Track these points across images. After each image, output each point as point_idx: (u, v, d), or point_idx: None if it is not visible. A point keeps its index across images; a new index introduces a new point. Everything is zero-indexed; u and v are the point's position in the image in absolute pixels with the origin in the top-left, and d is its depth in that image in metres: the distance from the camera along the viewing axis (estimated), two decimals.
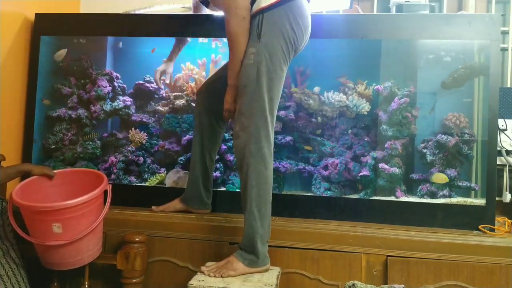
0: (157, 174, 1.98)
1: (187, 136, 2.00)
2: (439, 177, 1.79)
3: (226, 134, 1.93)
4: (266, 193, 1.42)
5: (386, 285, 1.42)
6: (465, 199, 1.78)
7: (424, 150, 1.87)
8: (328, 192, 1.86)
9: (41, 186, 1.51)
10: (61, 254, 1.39)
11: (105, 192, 1.49)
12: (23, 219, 1.40)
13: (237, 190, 1.84)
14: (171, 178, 1.95)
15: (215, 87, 1.68)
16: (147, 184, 1.97)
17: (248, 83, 1.39)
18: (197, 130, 1.73)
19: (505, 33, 2.20)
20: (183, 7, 2.16)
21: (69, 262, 1.42)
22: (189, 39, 1.95)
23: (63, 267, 1.44)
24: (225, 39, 1.99)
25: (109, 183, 1.50)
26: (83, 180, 1.55)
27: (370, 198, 1.83)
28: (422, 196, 1.82)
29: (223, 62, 1.95)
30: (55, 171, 1.55)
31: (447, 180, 1.79)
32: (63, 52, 2.07)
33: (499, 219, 1.76)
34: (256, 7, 1.42)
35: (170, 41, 1.95)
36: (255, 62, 1.38)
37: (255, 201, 1.39)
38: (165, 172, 1.99)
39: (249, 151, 1.38)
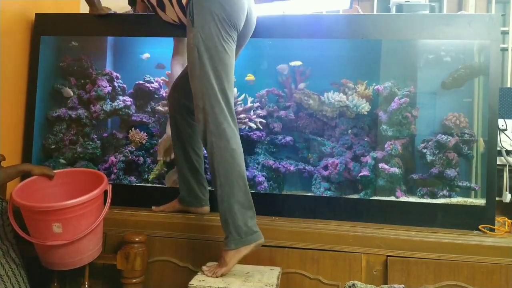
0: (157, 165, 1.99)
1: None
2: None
3: None
4: (235, 167, 1.39)
5: (386, 285, 1.42)
6: (465, 199, 1.78)
7: (424, 150, 1.87)
8: (328, 192, 1.87)
9: (41, 186, 1.51)
10: (61, 254, 1.39)
11: (105, 192, 1.49)
12: (23, 219, 1.40)
13: None
14: (171, 178, 1.95)
15: (180, 84, 1.73)
16: (150, 177, 1.97)
17: (192, 67, 1.44)
18: (174, 131, 1.74)
19: (505, 33, 2.20)
20: None
21: (69, 262, 1.42)
22: None
23: (63, 267, 1.44)
24: None
25: (109, 183, 1.50)
26: (83, 180, 1.55)
27: (370, 198, 1.83)
28: (422, 196, 1.82)
29: None
30: (55, 171, 1.55)
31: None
32: (70, 92, 2.09)
33: (499, 219, 1.76)
34: None
35: (170, 41, 1.94)
36: (194, 45, 1.42)
37: (224, 176, 1.38)
38: (166, 172, 1.99)
39: (209, 130, 1.40)
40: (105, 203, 1.49)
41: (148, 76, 2.13)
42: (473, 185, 1.81)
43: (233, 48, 1.48)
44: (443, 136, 1.84)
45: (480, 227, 1.66)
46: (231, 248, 1.38)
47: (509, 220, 1.74)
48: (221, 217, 1.41)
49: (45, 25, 1.99)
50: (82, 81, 2.11)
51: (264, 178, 1.91)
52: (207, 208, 1.76)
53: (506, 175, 2.00)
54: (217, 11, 1.43)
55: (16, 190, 1.40)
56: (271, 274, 1.43)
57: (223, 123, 1.40)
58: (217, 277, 1.36)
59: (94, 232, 1.44)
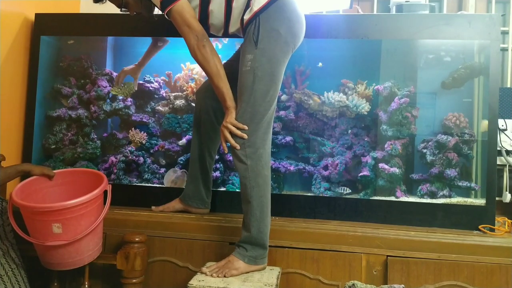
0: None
1: (187, 136, 2.01)
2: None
3: None
4: (266, 193, 1.43)
5: (386, 285, 1.42)
6: (465, 199, 1.78)
7: (424, 150, 1.87)
8: (328, 192, 1.86)
9: (41, 186, 1.51)
10: (61, 254, 1.39)
11: (106, 192, 1.49)
12: (23, 219, 1.40)
13: (237, 190, 1.84)
14: (169, 177, 1.95)
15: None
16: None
17: (244, 91, 1.41)
18: (196, 129, 1.73)
19: (505, 33, 2.20)
20: None
21: (69, 262, 1.42)
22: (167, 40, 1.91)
23: (62, 267, 1.43)
24: (225, 40, 2.00)
25: (109, 183, 1.49)
26: (83, 180, 1.55)
27: (370, 198, 1.83)
28: (422, 196, 1.82)
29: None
30: (55, 171, 1.55)
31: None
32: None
33: (499, 219, 1.76)
34: (250, 12, 1.43)
35: (171, 41, 1.94)
36: (252, 68, 1.39)
37: (256, 201, 1.41)
38: (165, 171, 1.99)
39: (246, 153, 1.40)
40: (105, 203, 1.49)
41: (148, 76, 2.13)
42: (473, 185, 1.81)
43: None
44: (443, 136, 1.84)
45: (480, 227, 1.66)
46: (245, 262, 1.41)
47: (509, 220, 1.74)
48: (246, 235, 1.43)
49: (45, 25, 1.99)
50: (82, 81, 2.11)
51: None
52: (208, 210, 1.77)
53: (506, 175, 2.00)
54: (285, 33, 1.40)
55: (15, 190, 1.40)
56: (270, 274, 1.43)
57: (260, 148, 1.41)
58: (225, 276, 1.37)
59: (94, 232, 1.43)
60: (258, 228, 1.41)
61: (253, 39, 1.40)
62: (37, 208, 1.34)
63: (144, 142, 2.04)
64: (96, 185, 1.44)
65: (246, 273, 1.41)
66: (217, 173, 1.92)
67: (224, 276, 1.37)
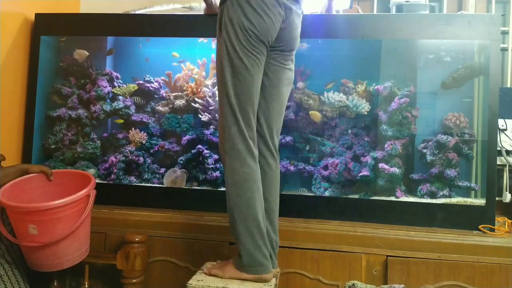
0: None
1: (187, 136, 2.00)
2: (315, 115, 1.84)
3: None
4: (247, 193, 1.31)
5: (386, 285, 1.42)
6: (465, 199, 1.78)
7: (424, 150, 1.86)
8: (328, 192, 1.86)
9: (37, 185, 1.48)
10: (39, 255, 1.36)
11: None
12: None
13: None
14: (169, 177, 1.95)
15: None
16: None
17: (218, 80, 1.37)
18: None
19: (505, 33, 2.20)
20: (183, 7, 2.16)
21: (47, 264, 1.38)
22: None
23: (41, 269, 1.40)
24: None
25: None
26: (78, 183, 1.50)
27: (370, 198, 1.83)
28: (422, 196, 1.82)
29: None
30: (54, 170, 1.54)
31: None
32: (84, 53, 2.06)
33: (499, 219, 1.76)
34: None
35: (170, 41, 1.94)
36: (219, 57, 1.35)
37: (234, 201, 1.31)
38: (165, 171, 1.99)
39: (224, 148, 1.34)
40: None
41: (148, 76, 2.13)
42: (473, 185, 1.81)
43: (260, 64, 1.35)
44: (443, 136, 1.84)
45: (480, 227, 1.66)
46: (235, 267, 1.34)
47: (509, 220, 1.75)
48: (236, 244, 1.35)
49: (45, 25, 1.99)
50: (82, 81, 2.11)
51: None
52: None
53: (506, 175, 2.00)
54: (243, 24, 1.31)
55: (4, 187, 1.38)
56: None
57: (238, 143, 1.31)
58: (210, 273, 1.35)
59: (74, 237, 1.38)
60: (236, 230, 1.31)
61: (219, 25, 1.36)
62: (11, 207, 1.31)
63: (144, 142, 2.03)
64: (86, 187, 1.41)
65: (234, 278, 1.34)
66: (217, 173, 1.92)
67: (209, 273, 1.35)
